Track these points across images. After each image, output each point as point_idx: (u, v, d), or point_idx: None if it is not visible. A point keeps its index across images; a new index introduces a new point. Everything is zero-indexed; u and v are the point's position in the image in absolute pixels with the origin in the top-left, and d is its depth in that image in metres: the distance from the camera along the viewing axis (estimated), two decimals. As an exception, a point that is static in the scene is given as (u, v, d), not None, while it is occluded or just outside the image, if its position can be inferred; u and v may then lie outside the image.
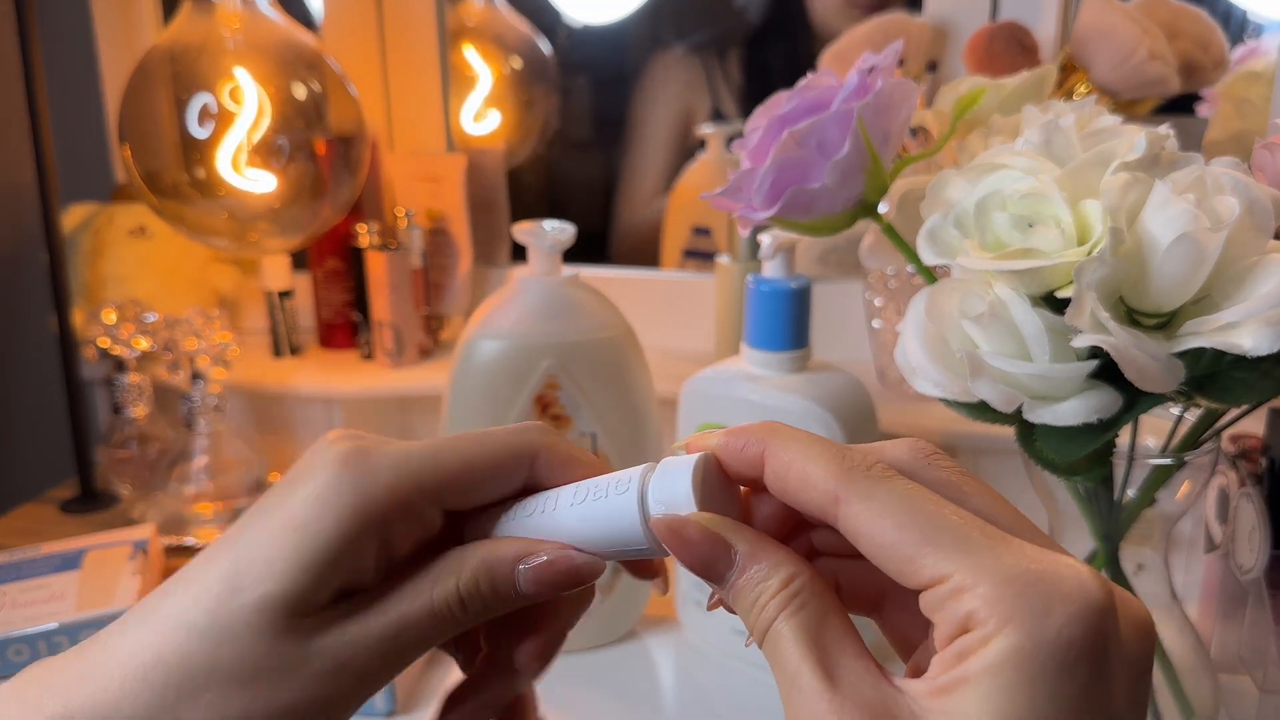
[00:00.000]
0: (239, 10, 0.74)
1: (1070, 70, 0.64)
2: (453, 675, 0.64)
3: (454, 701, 0.30)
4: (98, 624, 0.58)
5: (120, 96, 0.75)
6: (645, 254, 0.95)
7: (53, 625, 0.57)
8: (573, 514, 0.27)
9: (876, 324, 0.74)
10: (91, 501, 0.81)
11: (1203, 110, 0.69)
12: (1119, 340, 0.34)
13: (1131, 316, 0.37)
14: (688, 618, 0.66)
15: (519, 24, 0.94)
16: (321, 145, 0.76)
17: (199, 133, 0.73)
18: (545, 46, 0.94)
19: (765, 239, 0.57)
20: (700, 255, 0.91)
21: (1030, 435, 0.39)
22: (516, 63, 0.94)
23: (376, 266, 0.82)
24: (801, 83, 0.45)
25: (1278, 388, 0.38)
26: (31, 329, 0.95)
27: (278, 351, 0.87)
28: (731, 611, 0.25)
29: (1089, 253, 0.36)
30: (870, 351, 0.76)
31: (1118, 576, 0.47)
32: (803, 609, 0.23)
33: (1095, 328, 0.35)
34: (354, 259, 0.85)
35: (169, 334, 0.75)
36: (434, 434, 0.93)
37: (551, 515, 0.27)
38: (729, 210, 0.45)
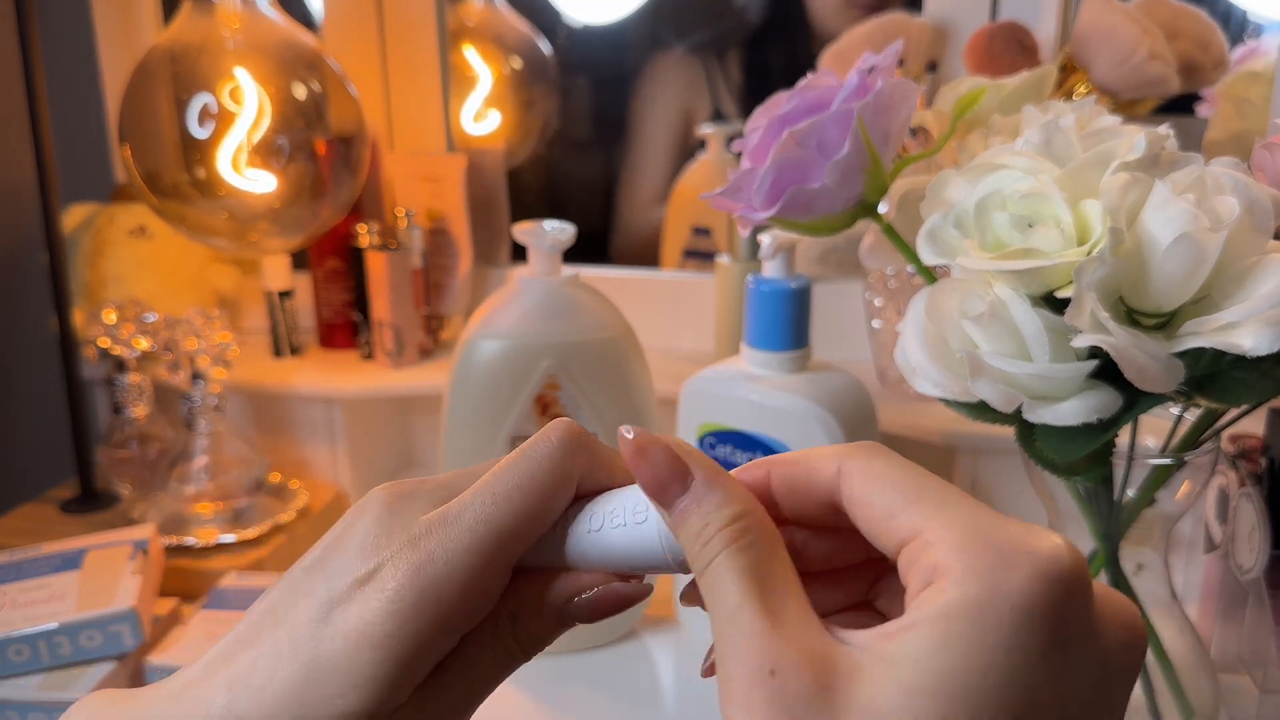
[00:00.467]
0: (239, 10, 0.74)
1: (1070, 70, 0.64)
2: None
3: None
4: (98, 624, 0.58)
5: (120, 96, 0.75)
6: (645, 254, 0.95)
7: (53, 625, 0.57)
8: (596, 542, 0.26)
9: (876, 324, 0.74)
10: (92, 501, 0.81)
11: (1203, 110, 0.69)
12: (1119, 340, 0.34)
13: (1131, 316, 0.37)
14: (687, 618, 0.66)
15: (519, 24, 0.94)
16: (322, 145, 0.76)
17: (199, 133, 0.73)
18: (545, 47, 0.94)
19: (765, 239, 0.57)
20: (700, 255, 0.91)
21: (1030, 435, 0.39)
22: (516, 63, 0.94)
23: (377, 266, 0.82)
24: (801, 83, 0.45)
25: (1277, 388, 0.38)
26: (32, 329, 0.95)
27: (278, 351, 0.87)
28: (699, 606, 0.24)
29: (1089, 253, 0.36)
30: (870, 351, 0.76)
31: (1118, 576, 0.47)
32: (751, 547, 0.22)
33: (1095, 328, 0.35)
34: (354, 259, 0.85)
35: (169, 334, 0.75)
36: (434, 433, 0.93)
37: (582, 541, 0.27)
38: (729, 210, 0.45)
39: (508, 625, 0.26)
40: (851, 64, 0.43)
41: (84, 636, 0.58)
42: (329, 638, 0.24)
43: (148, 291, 0.85)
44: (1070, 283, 0.36)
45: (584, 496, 0.27)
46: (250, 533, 0.74)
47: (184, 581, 0.70)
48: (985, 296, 0.38)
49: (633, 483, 0.26)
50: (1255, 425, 0.55)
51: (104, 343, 0.76)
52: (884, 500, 0.22)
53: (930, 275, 0.44)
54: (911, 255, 0.43)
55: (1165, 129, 0.39)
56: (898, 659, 0.20)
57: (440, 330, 0.89)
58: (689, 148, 0.93)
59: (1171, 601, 0.48)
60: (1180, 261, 0.35)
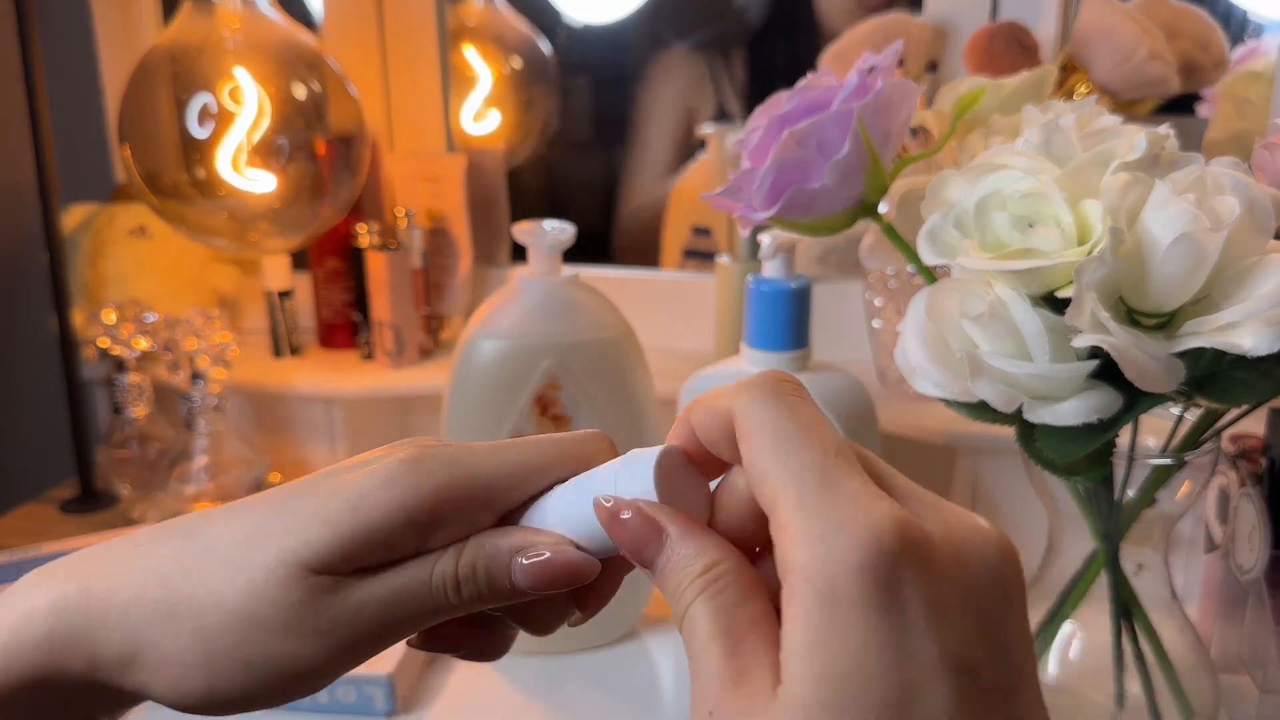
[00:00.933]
0: (239, 10, 0.74)
1: (1070, 70, 0.64)
2: (453, 675, 0.64)
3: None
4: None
5: (120, 96, 0.75)
6: (646, 253, 0.95)
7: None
8: (568, 509, 0.27)
9: (876, 324, 0.74)
10: (92, 501, 0.81)
11: (1203, 110, 0.69)
12: (1119, 340, 0.34)
13: (1131, 316, 0.37)
14: (688, 618, 0.66)
15: (519, 24, 0.94)
16: (321, 145, 0.76)
17: (199, 133, 0.73)
18: (545, 46, 0.94)
19: (765, 239, 0.57)
20: (700, 255, 0.91)
21: (1030, 435, 0.39)
22: (516, 63, 0.94)
23: (376, 266, 0.82)
24: (801, 83, 0.45)
25: (1277, 388, 0.38)
26: (32, 329, 0.95)
27: (278, 351, 0.87)
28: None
29: (1089, 253, 0.36)
30: (870, 351, 0.76)
31: (1118, 576, 0.47)
32: (721, 594, 0.23)
33: (1095, 328, 0.35)
34: (354, 259, 0.85)
35: (169, 334, 0.75)
36: (434, 433, 0.93)
37: (554, 508, 0.27)
38: (729, 210, 0.45)
39: (459, 557, 0.27)
40: (852, 64, 0.43)
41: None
42: (314, 487, 0.27)
43: (148, 291, 0.85)
44: (1070, 283, 0.36)
45: None
46: (250, 533, 0.74)
47: (184, 581, 0.70)
48: (985, 296, 0.38)
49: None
50: (1256, 425, 0.55)
51: (104, 343, 0.76)
52: (755, 461, 0.23)
53: (930, 275, 0.44)
54: (912, 255, 0.43)
55: (1165, 129, 0.39)
56: (790, 678, 0.21)
57: (440, 330, 0.89)
58: (690, 147, 0.93)
59: (1171, 601, 0.48)
60: (1180, 261, 0.35)
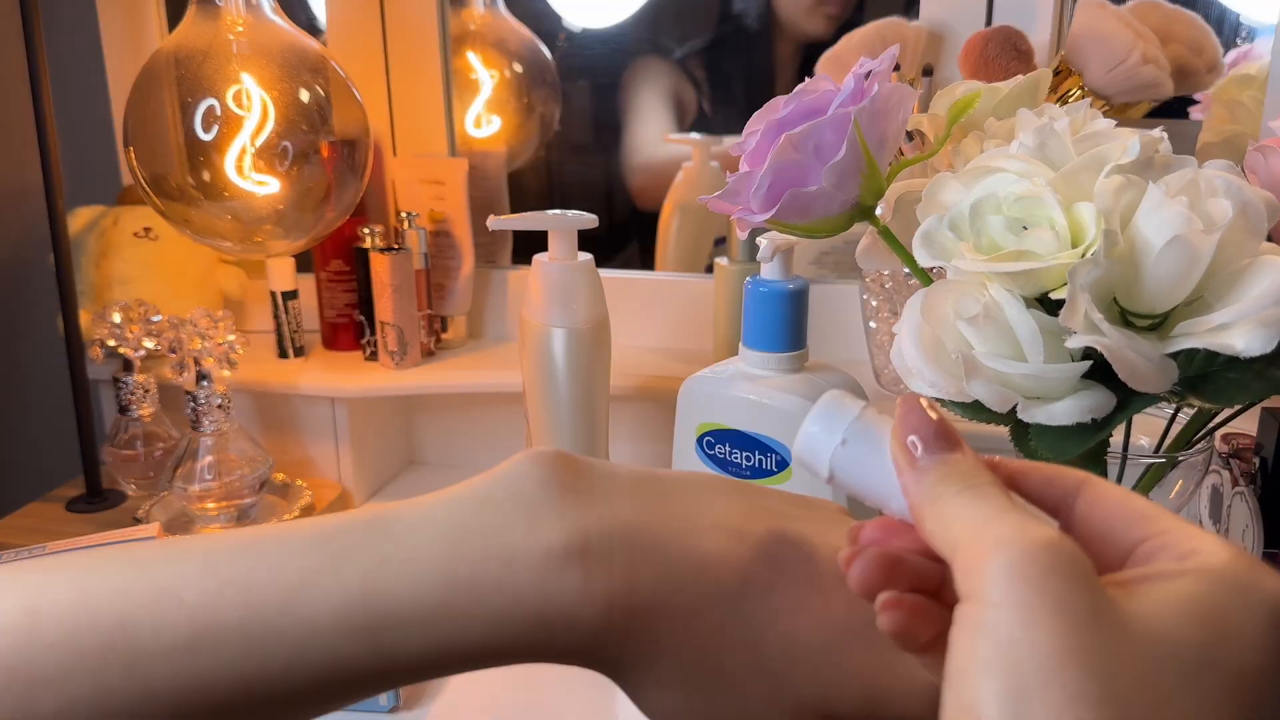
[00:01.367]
0: (244, 15, 0.74)
1: (1064, 74, 0.65)
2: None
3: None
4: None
5: (126, 100, 0.75)
6: (645, 254, 0.95)
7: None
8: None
9: (873, 325, 0.74)
10: (97, 500, 0.82)
11: (1196, 113, 0.69)
12: (1112, 341, 0.35)
13: (1125, 318, 0.37)
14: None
15: (520, 29, 0.94)
16: (326, 149, 0.77)
17: (204, 136, 0.73)
18: (546, 51, 0.95)
19: (763, 241, 0.57)
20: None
21: (1024, 435, 0.40)
22: (518, 67, 0.94)
23: (380, 268, 0.82)
24: (799, 87, 0.45)
25: (1270, 388, 0.38)
26: (38, 329, 0.96)
27: (282, 352, 0.87)
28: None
29: (1083, 255, 0.36)
30: (867, 352, 0.77)
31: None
32: (1013, 498, 0.24)
33: (1089, 329, 0.35)
34: (358, 261, 0.86)
35: (175, 334, 0.75)
36: (437, 433, 0.93)
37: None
38: (727, 212, 0.46)
39: None
40: (848, 68, 0.43)
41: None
42: None
43: (153, 293, 0.86)
44: (1064, 284, 0.36)
45: None
46: (254, 532, 0.75)
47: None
48: (980, 298, 0.38)
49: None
50: (1248, 425, 0.56)
51: (110, 343, 0.77)
52: (1138, 507, 0.25)
53: (926, 277, 0.44)
54: (907, 257, 0.44)
55: (1159, 132, 0.40)
56: (1163, 592, 0.22)
57: (443, 331, 0.90)
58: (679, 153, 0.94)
59: (1166, 599, 0.49)
60: (1173, 263, 0.36)
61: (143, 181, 0.76)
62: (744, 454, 0.57)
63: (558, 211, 0.67)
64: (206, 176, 0.74)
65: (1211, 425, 0.45)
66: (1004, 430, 0.41)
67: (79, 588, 0.25)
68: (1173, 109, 0.68)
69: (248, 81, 0.73)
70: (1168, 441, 0.46)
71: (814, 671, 0.27)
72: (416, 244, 0.84)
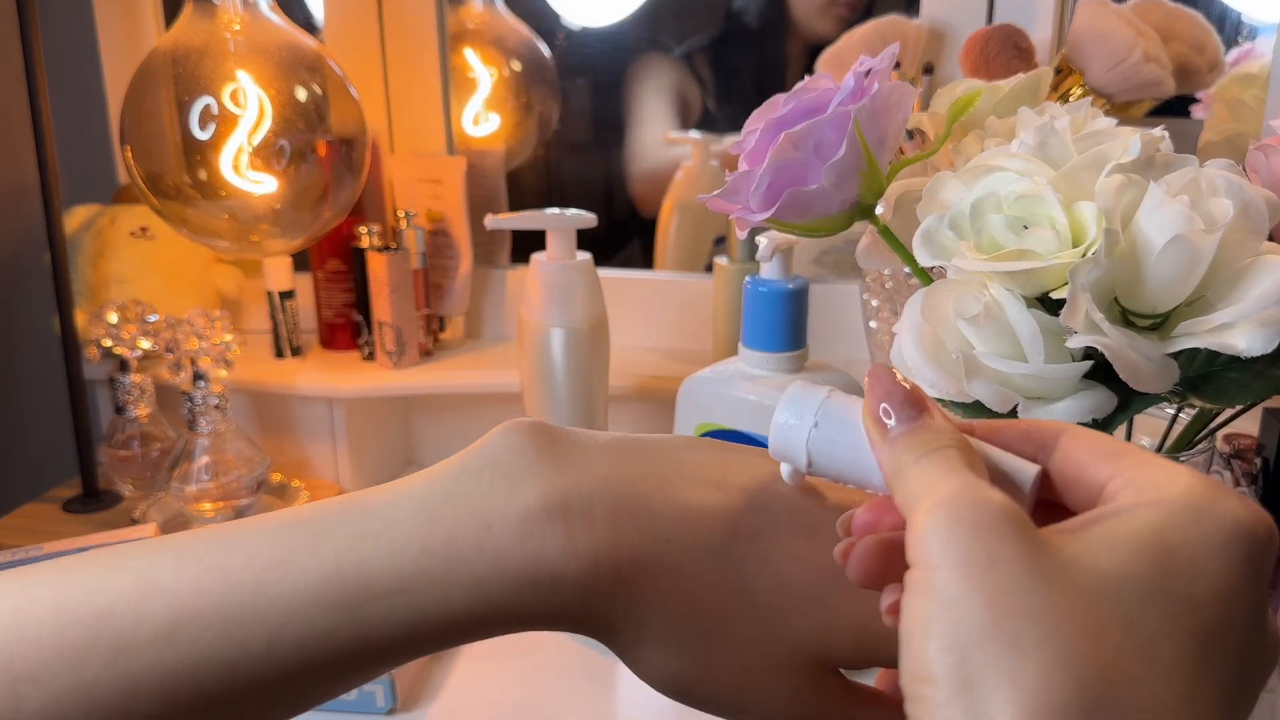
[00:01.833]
0: (241, 13, 0.74)
1: (1066, 73, 0.64)
2: (454, 672, 0.64)
3: None
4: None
5: (122, 98, 0.75)
6: (645, 253, 0.95)
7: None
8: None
9: (873, 324, 0.74)
10: (94, 501, 0.82)
11: (1197, 112, 0.69)
12: (1113, 341, 0.35)
13: (1126, 317, 0.37)
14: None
15: (519, 27, 0.94)
16: (323, 147, 0.77)
17: (201, 134, 0.73)
18: (545, 49, 0.95)
19: (763, 240, 0.57)
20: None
21: (1025, 435, 0.39)
22: (516, 65, 0.94)
23: (377, 267, 0.82)
24: (798, 85, 0.45)
25: (1272, 388, 0.38)
26: (34, 329, 0.95)
27: (279, 352, 0.87)
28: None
29: (1084, 254, 0.36)
30: (867, 352, 0.77)
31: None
32: (971, 456, 0.24)
33: (1090, 328, 0.35)
34: (355, 260, 0.86)
35: (171, 334, 0.75)
36: (435, 433, 0.93)
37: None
38: (726, 211, 0.46)
39: None
40: (848, 66, 0.43)
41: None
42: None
43: (150, 292, 0.85)
44: (1065, 284, 0.36)
45: None
46: (251, 532, 0.75)
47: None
48: (980, 297, 0.38)
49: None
50: (1250, 425, 0.56)
51: (106, 343, 0.77)
52: (1107, 446, 0.25)
53: (926, 276, 0.44)
54: (907, 257, 0.43)
55: (1160, 131, 0.39)
56: (1111, 528, 0.22)
57: (441, 331, 0.90)
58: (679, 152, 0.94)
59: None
60: (1175, 263, 0.35)
61: (139, 180, 0.75)
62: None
63: (556, 211, 0.67)
64: (203, 175, 0.74)
65: (1213, 425, 0.45)
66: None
67: (60, 586, 0.25)
68: (1174, 108, 0.68)
69: (244, 80, 0.73)
70: (1169, 442, 0.46)
71: (807, 617, 0.27)
72: (414, 243, 0.83)
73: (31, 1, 0.75)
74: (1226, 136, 0.67)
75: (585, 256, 0.67)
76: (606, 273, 0.89)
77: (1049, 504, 0.26)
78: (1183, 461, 0.44)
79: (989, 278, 0.38)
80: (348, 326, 0.89)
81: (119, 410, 0.80)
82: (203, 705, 0.25)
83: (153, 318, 0.77)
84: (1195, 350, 0.36)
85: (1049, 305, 0.37)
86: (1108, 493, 0.24)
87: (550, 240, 0.66)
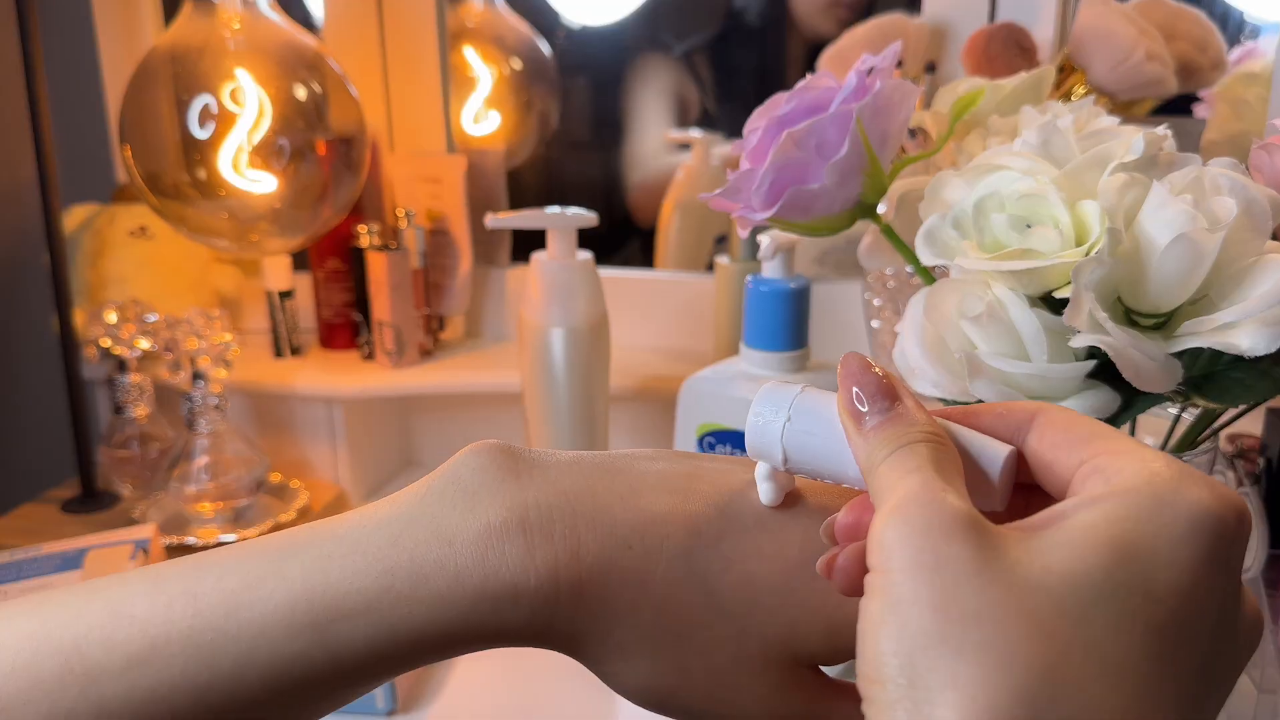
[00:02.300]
0: (240, 11, 0.74)
1: (1068, 71, 0.64)
2: (454, 673, 0.64)
3: None
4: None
5: (121, 97, 0.75)
6: (645, 253, 0.95)
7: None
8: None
9: (875, 324, 0.74)
10: (92, 501, 0.82)
11: (1200, 111, 0.69)
12: (1117, 340, 0.34)
13: (1129, 317, 0.37)
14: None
15: (519, 25, 0.94)
16: (322, 146, 0.77)
17: (200, 133, 0.73)
18: (545, 47, 0.94)
19: (764, 239, 0.57)
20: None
21: (1028, 435, 0.39)
22: (516, 63, 0.94)
23: (377, 267, 0.82)
24: (800, 84, 0.45)
25: (1275, 388, 0.38)
26: (33, 329, 0.95)
27: (279, 352, 0.87)
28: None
29: (1087, 253, 0.36)
30: (869, 352, 0.76)
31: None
32: (941, 450, 0.24)
33: (1093, 328, 0.35)
34: (355, 259, 0.86)
35: (170, 334, 0.75)
36: (435, 433, 0.93)
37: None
38: (728, 210, 0.46)
39: None
40: (850, 65, 0.43)
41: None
42: None
43: (149, 292, 0.85)
44: (1068, 283, 0.36)
45: None
46: (251, 532, 0.75)
47: (185, 581, 0.70)
48: (983, 297, 0.38)
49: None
50: (1253, 425, 0.56)
51: (105, 343, 0.76)
52: (1080, 430, 0.24)
53: (929, 276, 0.44)
54: (910, 256, 0.43)
55: (1163, 130, 0.39)
56: (1073, 522, 0.22)
57: (440, 331, 0.90)
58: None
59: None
60: (1178, 262, 0.35)
61: (138, 179, 0.75)
62: (745, 455, 0.57)
63: (557, 209, 0.67)
64: (202, 174, 0.74)
65: (1216, 425, 0.44)
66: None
67: (35, 616, 0.26)
68: (1177, 106, 0.68)
69: (244, 79, 0.73)
70: (1172, 442, 0.45)
71: (775, 612, 0.27)
72: (414, 242, 0.83)
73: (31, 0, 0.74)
74: (1229, 135, 0.67)
75: (586, 256, 0.67)
76: (607, 272, 0.89)
77: (1031, 486, 0.26)
78: (1185, 462, 0.44)
79: (992, 277, 0.38)
80: (347, 326, 0.88)
81: (118, 410, 0.80)
82: None
83: (151, 317, 0.77)
84: (1198, 350, 0.36)
85: (1052, 305, 0.37)
86: (1078, 479, 0.24)
87: (551, 239, 0.66)
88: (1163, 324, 0.37)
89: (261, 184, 0.75)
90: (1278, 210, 0.37)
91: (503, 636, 0.27)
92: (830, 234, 0.46)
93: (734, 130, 0.91)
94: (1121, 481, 0.22)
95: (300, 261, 0.88)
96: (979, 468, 0.25)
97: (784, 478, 0.29)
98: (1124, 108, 0.65)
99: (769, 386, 0.28)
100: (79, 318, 0.81)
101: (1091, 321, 0.35)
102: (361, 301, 0.86)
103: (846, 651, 0.28)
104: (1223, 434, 0.46)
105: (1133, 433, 0.45)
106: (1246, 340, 0.34)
